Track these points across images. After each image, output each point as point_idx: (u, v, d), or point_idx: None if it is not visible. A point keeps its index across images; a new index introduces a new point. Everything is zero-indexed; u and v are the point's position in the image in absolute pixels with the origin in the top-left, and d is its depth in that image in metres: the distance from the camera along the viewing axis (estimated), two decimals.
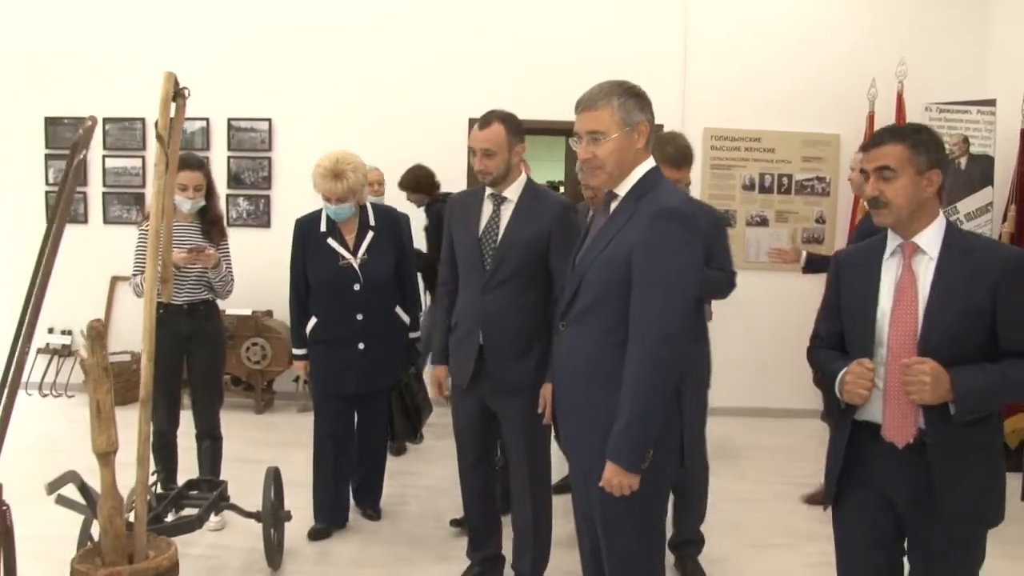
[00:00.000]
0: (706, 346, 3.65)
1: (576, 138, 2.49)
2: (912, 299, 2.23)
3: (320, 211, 3.95)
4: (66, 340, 6.59)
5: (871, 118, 6.21)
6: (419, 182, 5.82)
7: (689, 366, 3.32)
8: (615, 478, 2.32)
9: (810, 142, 6.46)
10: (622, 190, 2.47)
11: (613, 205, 2.51)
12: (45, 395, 6.50)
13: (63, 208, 2.15)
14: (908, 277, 2.25)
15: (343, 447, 4.08)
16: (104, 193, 6.62)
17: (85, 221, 6.62)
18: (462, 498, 3.54)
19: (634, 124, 2.41)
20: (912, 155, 2.23)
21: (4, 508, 1.86)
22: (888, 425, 2.25)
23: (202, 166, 4.01)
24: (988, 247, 2.27)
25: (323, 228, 3.91)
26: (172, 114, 2.75)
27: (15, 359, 2.09)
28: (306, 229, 3.95)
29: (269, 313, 6.35)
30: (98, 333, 2.42)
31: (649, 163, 2.48)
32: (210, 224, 4.03)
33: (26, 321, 2.30)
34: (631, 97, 2.43)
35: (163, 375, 3.65)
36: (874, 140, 2.32)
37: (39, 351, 6.45)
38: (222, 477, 3.94)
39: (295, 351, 4.04)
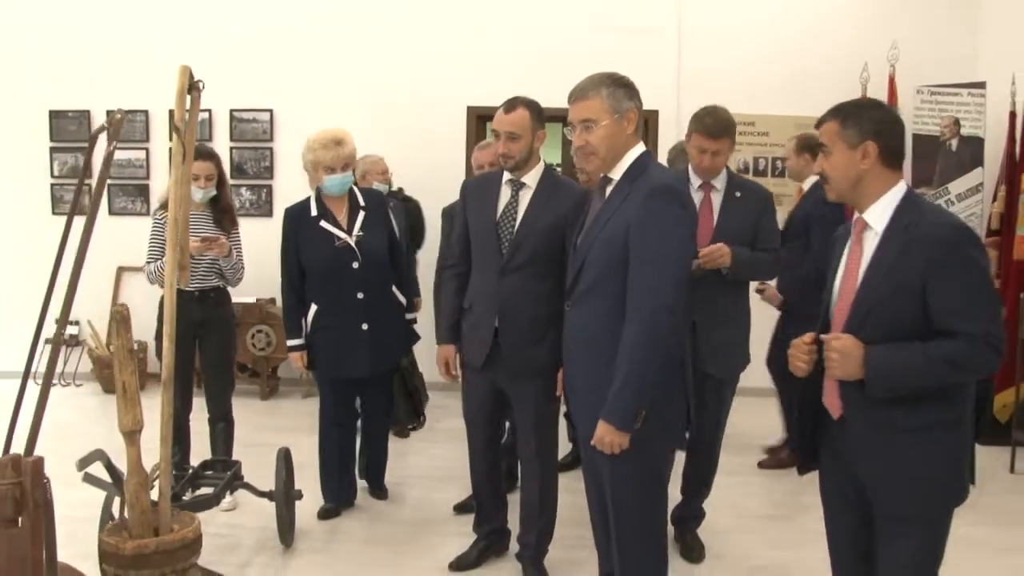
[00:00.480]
0: (745, 330, 3.67)
1: (570, 127, 2.65)
2: (853, 275, 2.25)
3: (308, 199, 4.00)
4: (73, 330, 6.67)
5: None
6: None
7: (722, 348, 3.45)
8: (607, 436, 2.49)
9: (803, 126, 6.49)
10: (616, 174, 2.63)
11: (608, 189, 2.66)
12: (53, 384, 6.57)
13: (94, 198, 2.25)
14: (854, 253, 2.27)
15: (348, 430, 4.18)
16: (109, 185, 6.69)
17: None
18: (471, 477, 3.64)
19: (623, 111, 2.58)
20: (841, 130, 2.23)
21: (45, 481, 1.97)
22: (825, 397, 2.32)
23: (213, 156, 4.11)
24: (930, 222, 2.15)
25: (314, 212, 3.93)
26: (187, 106, 2.84)
27: (49, 349, 2.19)
28: (296, 217, 3.96)
29: (272, 301, 6.44)
30: (123, 317, 2.53)
31: (640, 147, 2.64)
32: (222, 213, 4.13)
33: (43, 313, 2.40)
34: (619, 87, 2.60)
35: (176, 360, 3.74)
36: (819, 119, 2.34)
37: (46, 341, 6.53)
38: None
39: (291, 342, 4.01)
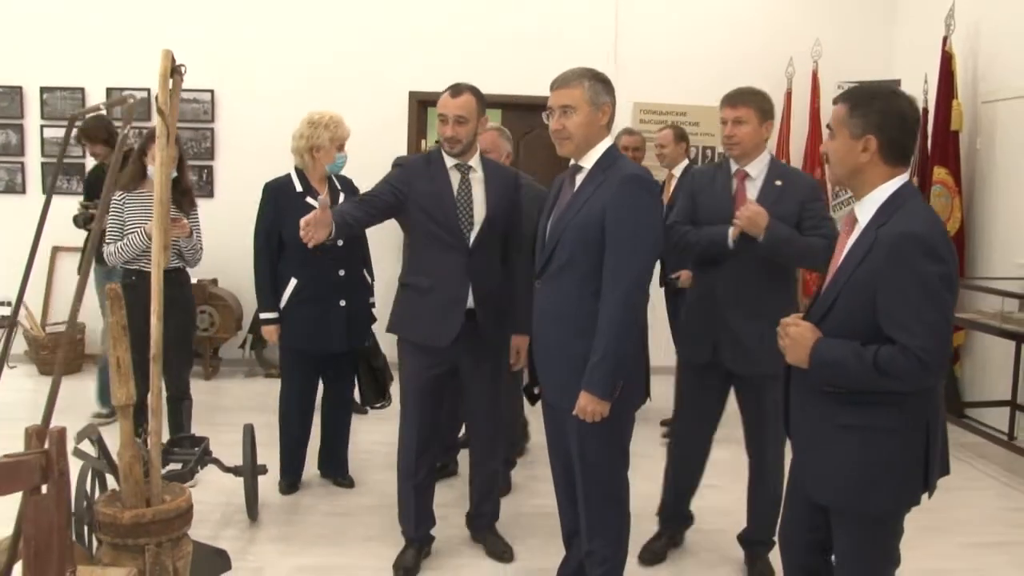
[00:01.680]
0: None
1: (548, 112, 2.84)
2: (835, 266, 2.28)
3: (288, 175, 4.05)
4: (5, 311, 6.55)
5: (788, 95, 6.68)
6: (111, 132, 5.26)
7: (752, 342, 3.20)
8: (589, 406, 2.69)
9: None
10: (587, 163, 2.83)
11: (579, 177, 2.86)
12: None
13: (109, 179, 2.32)
14: (841, 243, 2.29)
15: (309, 407, 4.26)
16: (43, 163, 6.58)
17: (23, 191, 6.58)
18: (402, 464, 3.55)
19: (600, 104, 2.80)
20: (847, 117, 2.19)
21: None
22: None
23: (176, 139, 4.13)
24: (892, 225, 2.12)
25: (299, 188, 3.98)
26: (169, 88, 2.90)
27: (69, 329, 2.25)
28: (280, 192, 3.99)
29: (214, 281, 6.45)
30: (117, 295, 2.60)
31: (609, 140, 2.86)
32: (181, 195, 4.15)
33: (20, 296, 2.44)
34: (599, 82, 2.81)
35: (136, 340, 3.77)
36: (834, 99, 2.32)
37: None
38: None
39: (266, 315, 4.01)
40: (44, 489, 2.01)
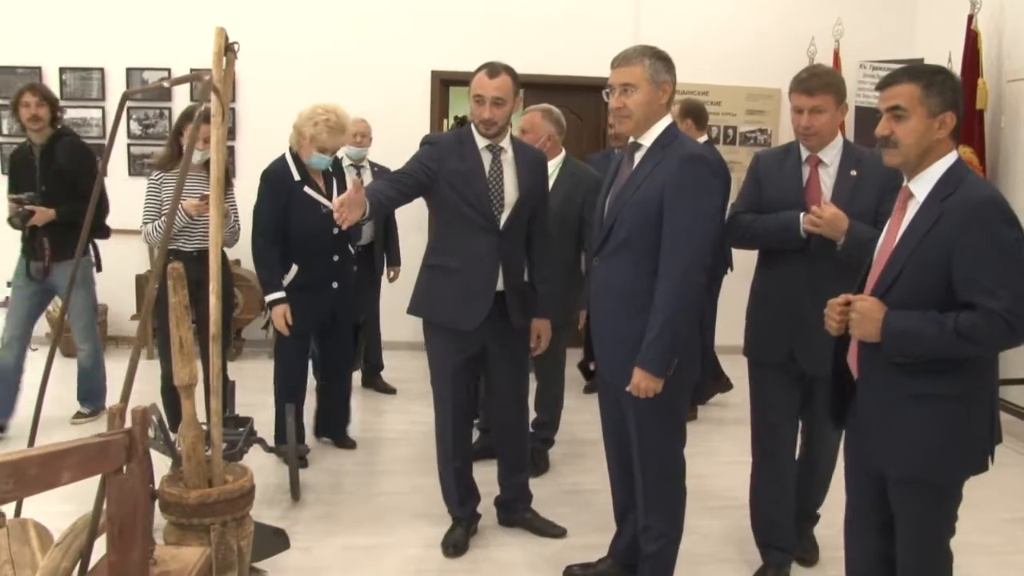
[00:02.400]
0: None
1: (608, 90, 2.83)
2: (891, 241, 2.28)
3: (283, 160, 4.07)
4: None
5: None
6: (57, 100, 4.73)
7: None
8: (643, 383, 2.70)
9: (753, 96, 6.87)
10: (646, 140, 2.82)
11: (638, 156, 2.86)
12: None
13: (187, 155, 2.31)
14: (896, 219, 2.30)
15: (304, 380, 4.34)
16: None
17: None
18: (442, 454, 3.54)
19: (660, 82, 2.78)
20: (924, 96, 2.18)
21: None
22: (849, 357, 2.41)
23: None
24: (963, 194, 2.15)
25: (297, 177, 4.02)
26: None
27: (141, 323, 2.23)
28: (279, 180, 4.01)
29: (237, 262, 6.42)
30: (179, 275, 2.60)
31: (669, 118, 2.85)
32: None
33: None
34: (660, 60, 2.80)
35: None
36: (888, 79, 2.25)
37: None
38: None
39: (273, 296, 4.00)
40: (125, 469, 2.02)
